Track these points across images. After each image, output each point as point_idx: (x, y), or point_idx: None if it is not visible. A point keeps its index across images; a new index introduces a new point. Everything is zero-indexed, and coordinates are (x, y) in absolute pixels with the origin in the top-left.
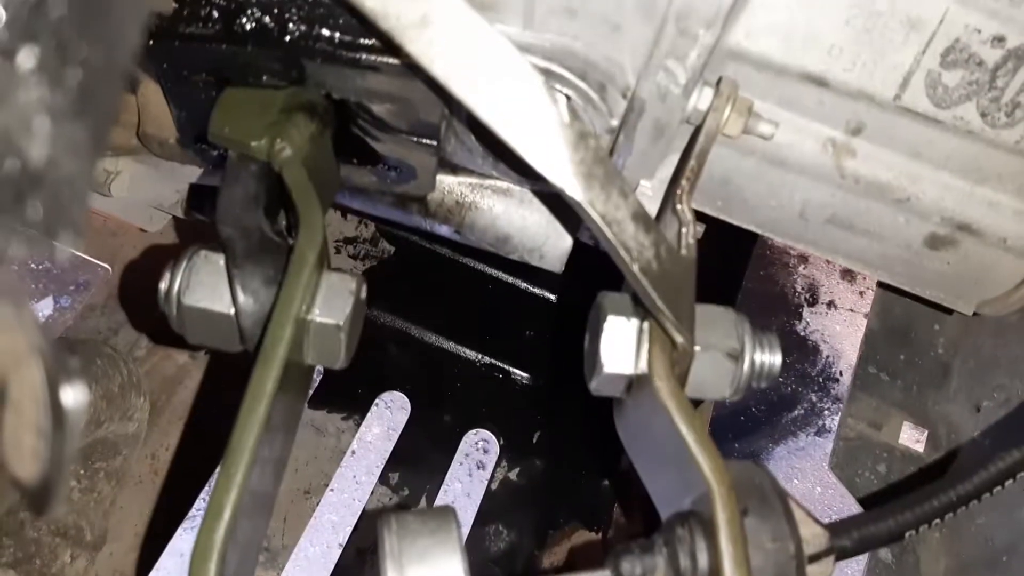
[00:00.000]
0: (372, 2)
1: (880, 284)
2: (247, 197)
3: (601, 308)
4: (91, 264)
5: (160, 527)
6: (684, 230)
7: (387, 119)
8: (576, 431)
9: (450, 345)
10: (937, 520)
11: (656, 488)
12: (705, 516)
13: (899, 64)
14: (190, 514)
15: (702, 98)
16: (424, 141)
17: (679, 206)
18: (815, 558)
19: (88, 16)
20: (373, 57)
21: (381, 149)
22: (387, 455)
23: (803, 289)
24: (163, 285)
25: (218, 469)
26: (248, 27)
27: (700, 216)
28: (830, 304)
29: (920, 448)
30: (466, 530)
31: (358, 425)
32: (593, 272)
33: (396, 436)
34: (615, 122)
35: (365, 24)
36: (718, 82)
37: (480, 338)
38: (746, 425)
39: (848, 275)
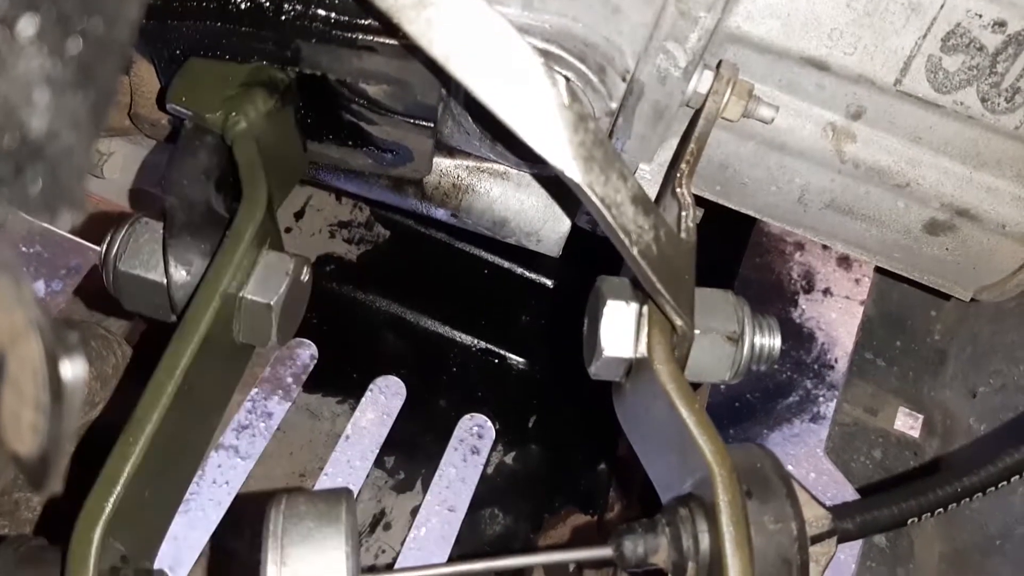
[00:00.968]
0: None
1: (878, 270)
2: (196, 168)
3: (600, 293)
4: (83, 247)
5: None
6: (684, 214)
7: (383, 100)
8: (572, 416)
9: (445, 330)
10: (940, 510)
11: (656, 472)
12: (707, 498)
13: (900, 48)
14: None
15: (702, 81)
16: (421, 123)
17: (679, 189)
18: (817, 539)
19: None
20: (370, 37)
21: (377, 131)
22: (381, 440)
23: (799, 276)
24: (102, 249)
25: (118, 439)
26: (243, 6)
27: (698, 200)
28: (826, 291)
29: (915, 434)
30: (461, 514)
31: (353, 409)
32: (590, 258)
33: (391, 422)
34: (614, 105)
35: (362, 3)
36: (718, 65)
37: (476, 323)
38: (741, 412)
39: (844, 262)
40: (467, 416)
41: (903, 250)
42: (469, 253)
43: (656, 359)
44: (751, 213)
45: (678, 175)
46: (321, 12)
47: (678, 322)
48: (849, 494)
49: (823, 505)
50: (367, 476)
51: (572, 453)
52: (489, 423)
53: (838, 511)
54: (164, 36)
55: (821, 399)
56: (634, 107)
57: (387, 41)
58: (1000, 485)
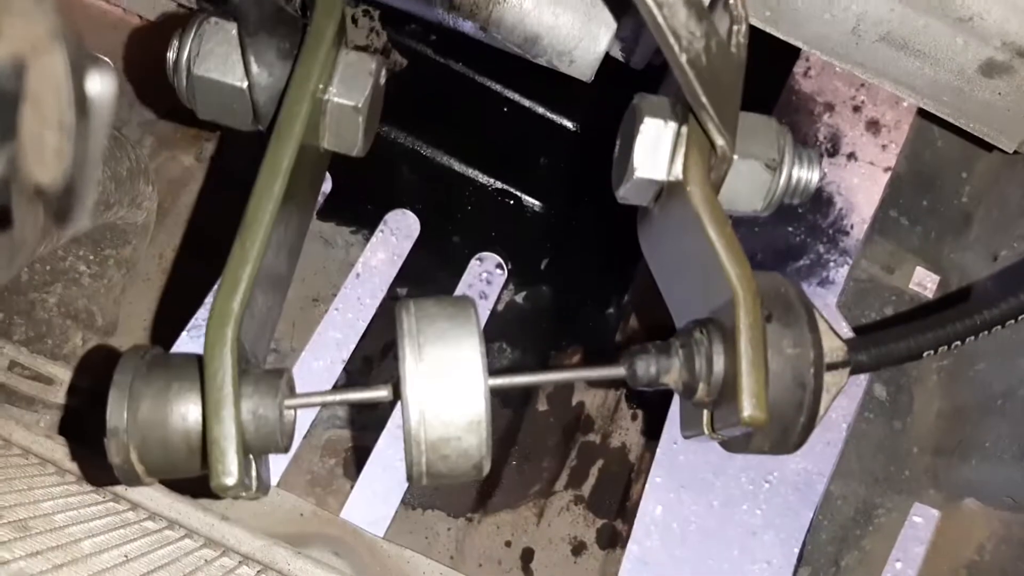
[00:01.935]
0: None
1: (920, 113)
2: None
3: (638, 110)
4: (91, 57)
5: (166, 330)
6: (736, 27)
7: None
8: (584, 261)
9: (462, 167)
10: (957, 343)
11: (676, 298)
12: (726, 322)
13: None
14: (192, 322)
15: None
16: None
17: (732, 1)
18: (831, 367)
19: None
20: None
21: None
22: (391, 279)
23: (825, 139)
24: (171, 54)
25: (234, 243)
26: None
27: None
28: (850, 156)
29: (930, 295)
30: None
31: (366, 240)
32: (615, 102)
33: (400, 262)
34: None
35: None
36: None
37: (493, 162)
38: None
39: (873, 126)
40: (476, 260)
41: (953, 92)
42: (490, 88)
43: (691, 180)
44: (799, 44)
45: None
46: None
47: (719, 141)
48: None
49: (840, 337)
50: (379, 306)
51: (582, 296)
52: (498, 269)
53: (854, 343)
54: None
55: (832, 264)
56: None
57: None
58: (1020, 319)
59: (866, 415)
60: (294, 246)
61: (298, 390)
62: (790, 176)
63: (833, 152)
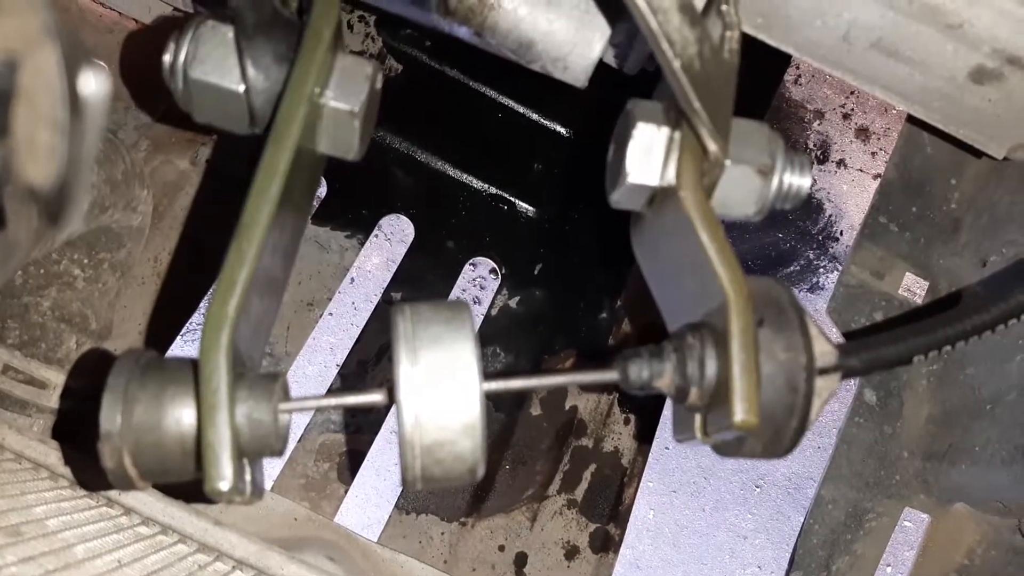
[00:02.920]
0: None
1: (910, 120)
2: None
3: (631, 115)
4: (84, 56)
5: (161, 334)
6: (729, 34)
7: None
8: (577, 267)
9: (456, 172)
10: (948, 347)
11: (668, 303)
12: (718, 326)
13: None
14: (187, 327)
15: None
16: None
17: (725, 7)
18: (822, 372)
19: None
20: None
21: None
22: (386, 283)
23: (815, 146)
24: (167, 58)
25: (230, 246)
26: None
27: None
28: (840, 163)
29: (919, 300)
30: None
31: (361, 244)
32: (608, 109)
33: (394, 267)
34: None
35: None
36: None
37: (487, 167)
38: None
39: (863, 134)
40: (470, 265)
41: (944, 99)
42: (484, 94)
43: (684, 186)
44: (791, 50)
45: None
46: None
47: (712, 147)
48: None
49: (831, 341)
50: (374, 311)
51: (575, 300)
52: (491, 275)
53: (845, 347)
54: None
55: (822, 270)
56: None
57: None
58: (1009, 323)
59: (857, 420)
60: (289, 250)
61: (293, 394)
62: (782, 181)
63: (823, 159)
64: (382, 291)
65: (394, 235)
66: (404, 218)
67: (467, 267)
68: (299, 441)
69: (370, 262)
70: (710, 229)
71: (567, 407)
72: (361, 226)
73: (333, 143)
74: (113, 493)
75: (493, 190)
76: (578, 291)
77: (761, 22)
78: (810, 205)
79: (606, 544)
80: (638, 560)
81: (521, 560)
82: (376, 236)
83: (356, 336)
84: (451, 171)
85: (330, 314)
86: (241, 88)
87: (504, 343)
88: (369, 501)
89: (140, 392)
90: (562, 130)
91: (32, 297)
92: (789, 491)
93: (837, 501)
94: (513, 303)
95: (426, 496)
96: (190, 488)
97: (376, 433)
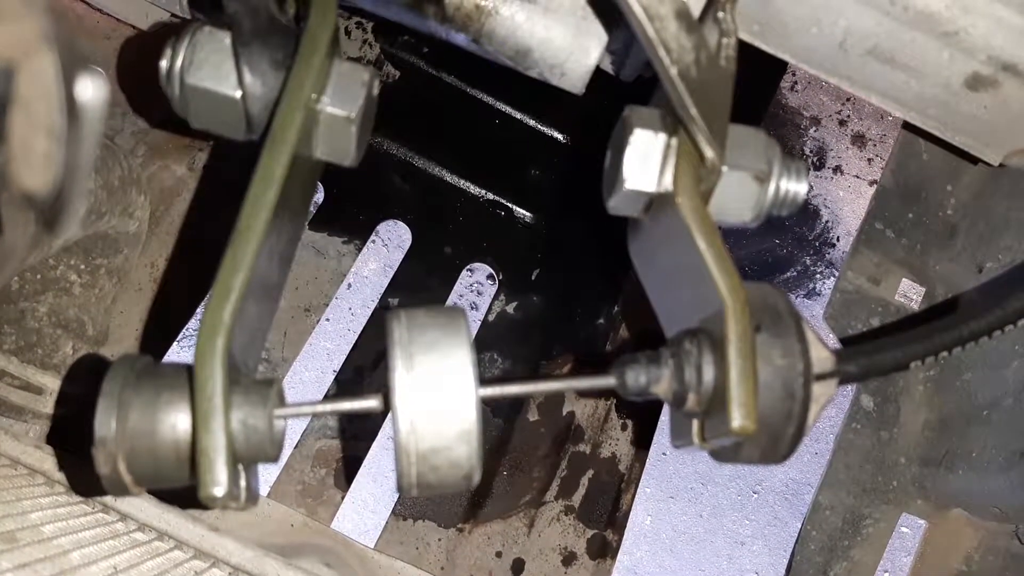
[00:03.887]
0: None
1: (906, 127)
2: None
3: (628, 122)
4: (82, 63)
5: (158, 340)
6: (725, 40)
7: None
8: (574, 272)
9: (453, 178)
10: (945, 353)
11: (665, 309)
12: (715, 332)
13: None
14: (183, 333)
15: None
16: None
17: (721, 14)
18: (820, 378)
19: None
20: None
21: None
22: (383, 289)
23: (811, 152)
24: (164, 63)
25: (225, 251)
26: None
27: None
28: (836, 169)
29: (915, 306)
30: None
31: (358, 250)
32: (605, 115)
33: (392, 272)
34: None
35: None
36: None
37: (484, 173)
38: None
39: (859, 140)
40: (467, 271)
41: (939, 106)
42: (482, 101)
43: (681, 192)
44: (787, 57)
45: None
46: None
47: (709, 153)
48: None
49: (827, 347)
50: (371, 317)
51: (572, 306)
52: (489, 281)
53: (841, 354)
54: None
55: (818, 276)
56: None
57: None
58: (1006, 329)
59: (854, 426)
60: (286, 255)
61: (289, 400)
62: (778, 187)
63: (819, 165)
64: (379, 297)
65: (391, 241)
66: (401, 224)
67: (464, 273)
68: (296, 447)
69: (367, 268)
70: (707, 235)
71: (564, 413)
72: (358, 232)
73: (330, 149)
74: (109, 499)
75: (490, 196)
76: (575, 297)
77: (757, 29)
78: (807, 211)
79: (603, 550)
80: (636, 566)
81: (518, 566)
82: (373, 242)
83: (353, 342)
84: (448, 177)
85: (327, 320)
86: (238, 94)
87: (501, 349)
88: (366, 507)
89: (135, 398)
90: (559, 136)
91: (29, 303)
92: (787, 497)
93: (834, 507)
94: (510, 309)
95: (423, 502)
96: (186, 494)
97: (373, 439)
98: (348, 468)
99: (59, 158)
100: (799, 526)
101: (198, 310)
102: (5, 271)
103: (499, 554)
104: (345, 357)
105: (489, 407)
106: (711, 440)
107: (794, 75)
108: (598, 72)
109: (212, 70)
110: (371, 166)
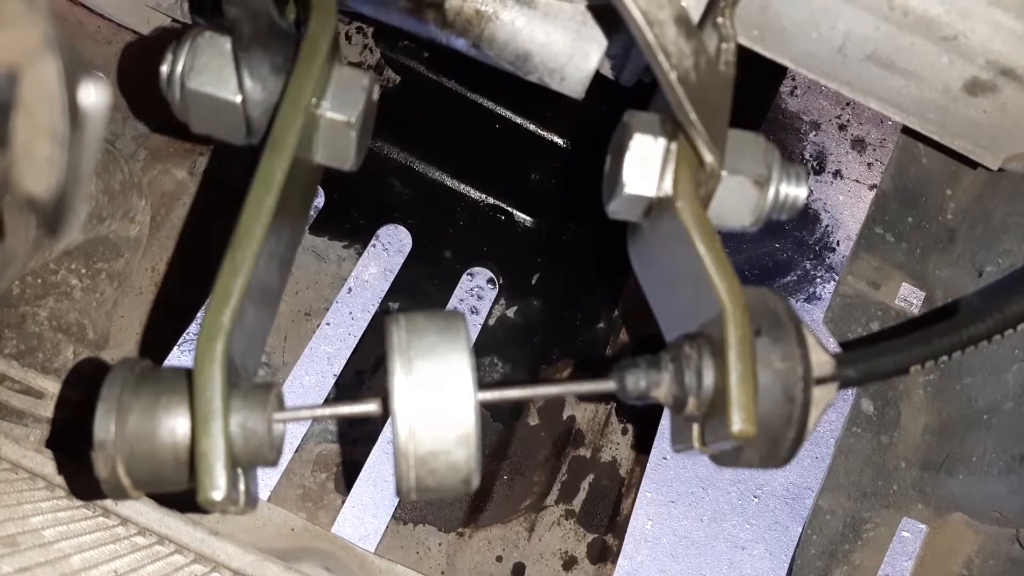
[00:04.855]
0: None
1: (906, 131)
2: None
3: (627, 127)
4: (84, 68)
5: (158, 344)
6: (724, 46)
7: None
8: (574, 276)
9: (453, 183)
10: (944, 357)
11: (665, 313)
12: (715, 336)
13: None
14: (184, 337)
15: None
16: None
17: (720, 19)
18: (819, 382)
19: None
20: None
21: None
22: (383, 293)
23: (811, 157)
24: (165, 68)
25: (225, 255)
26: None
27: None
28: (836, 174)
29: (915, 310)
30: None
31: (359, 255)
32: (605, 119)
33: (392, 276)
34: None
35: None
36: None
37: (484, 178)
38: None
39: (859, 145)
40: (467, 275)
41: (938, 110)
42: (482, 105)
43: (680, 196)
44: (786, 62)
45: (721, 4)
46: None
47: (708, 158)
48: None
49: (827, 351)
50: (371, 320)
51: (572, 310)
52: (489, 285)
53: (842, 358)
54: None
55: (819, 280)
56: None
57: None
58: (1006, 333)
59: (854, 430)
60: (286, 259)
61: (289, 404)
62: (778, 192)
63: (819, 170)
64: (380, 301)
65: (392, 245)
66: (402, 228)
67: (465, 277)
68: (296, 451)
69: (368, 272)
70: (707, 239)
71: (565, 417)
72: (359, 236)
73: (329, 154)
74: (110, 503)
75: (491, 200)
76: (575, 301)
77: (756, 34)
78: (806, 215)
79: (604, 554)
80: (636, 571)
81: (519, 571)
82: (374, 246)
83: (353, 346)
84: (449, 181)
85: (327, 324)
86: (238, 99)
87: (501, 353)
88: (366, 511)
89: (134, 401)
90: (559, 141)
91: (30, 307)
92: (787, 501)
93: (835, 511)
94: (511, 313)
95: (423, 506)
96: (187, 497)
97: (373, 443)
98: (348, 472)
99: (61, 162)
100: (800, 530)
101: (199, 314)
102: (6, 275)
103: (499, 558)
104: (345, 361)
105: (489, 411)
106: (711, 444)
107: (794, 79)
108: (598, 77)
109: (212, 75)
110: (371, 170)
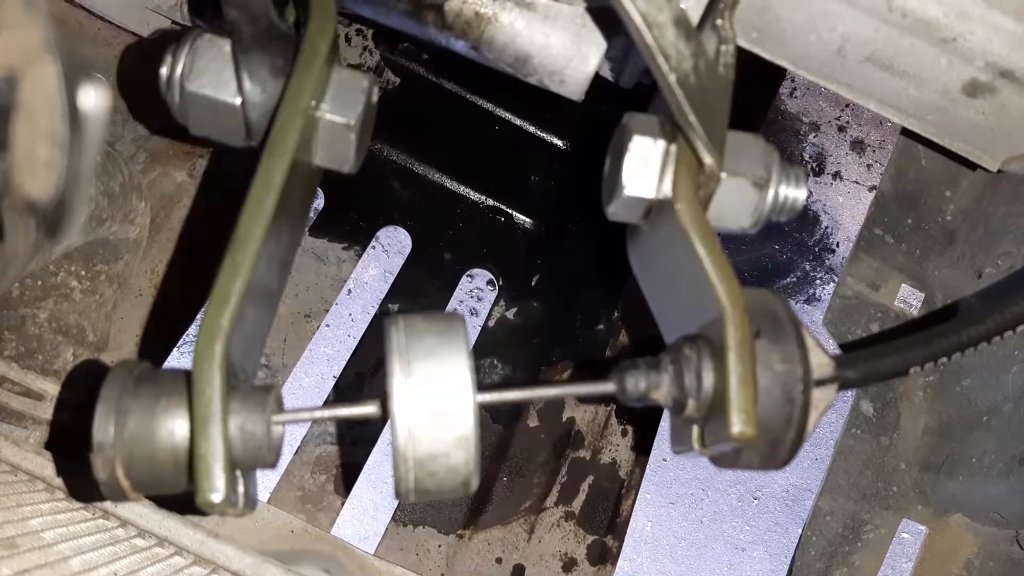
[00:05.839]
0: None
1: (905, 133)
2: None
3: (627, 129)
4: (84, 71)
5: (158, 346)
6: (724, 48)
7: None
8: (574, 278)
9: (453, 184)
10: (944, 359)
11: (665, 315)
12: (715, 338)
13: None
14: (183, 339)
15: None
16: None
17: (720, 21)
18: (819, 384)
19: None
20: None
21: None
22: (383, 295)
23: (811, 158)
24: (164, 70)
25: (224, 258)
26: None
27: None
28: (836, 175)
29: (915, 312)
30: None
31: (358, 256)
32: (604, 121)
33: (392, 278)
34: None
35: None
36: None
37: (484, 179)
38: None
39: (858, 146)
40: (467, 277)
41: (938, 112)
42: (482, 107)
43: (680, 198)
44: (785, 64)
45: (721, 6)
46: None
47: (708, 160)
48: None
49: (827, 353)
50: (371, 322)
51: (572, 312)
52: (489, 287)
53: (841, 360)
54: None
55: (818, 282)
56: None
57: None
58: (1005, 334)
59: (853, 431)
60: (285, 261)
61: (289, 405)
62: (778, 193)
63: (818, 171)
64: (379, 303)
65: (391, 247)
66: (401, 230)
67: (464, 278)
68: (296, 453)
69: (367, 273)
70: (706, 241)
71: (564, 419)
72: (358, 238)
73: (329, 156)
74: (109, 505)
75: (490, 202)
76: (575, 303)
77: (756, 36)
78: (806, 217)
79: (604, 556)
80: (636, 572)
81: (519, 572)
82: (373, 248)
83: (353, 348)
84: (448, 183)
85: (327, 326)
86: (237, 101)
87: (501, 354)
88: (366, 513)
89: (133, 403)
90: (559, 143)
91: (29, 309)
92: (787, 503)
93: (835, 513)
94: (510, 314)
95: (423, 508)
96: (186, 499)
97: (373, 445)
98: (348, 474)
99: (61, 165)
100: (799, 532)
101: (198, 316)
102: (6, 277)
103: (499, 560)
104: (345, 363)
105: (489, 413)
106: (711, 446)
107: (793, 81)
108: (597, 79)
109: (212, 77)
110: (371, 172)
